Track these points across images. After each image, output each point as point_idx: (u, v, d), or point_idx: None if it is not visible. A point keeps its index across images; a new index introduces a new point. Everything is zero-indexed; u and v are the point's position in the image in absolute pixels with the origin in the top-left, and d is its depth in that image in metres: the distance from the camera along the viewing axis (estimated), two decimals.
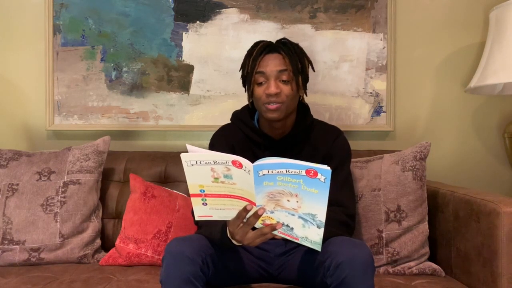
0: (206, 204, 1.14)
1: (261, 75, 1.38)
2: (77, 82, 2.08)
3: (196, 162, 1.08)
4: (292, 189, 1.05)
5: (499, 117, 2.10)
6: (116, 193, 1.85)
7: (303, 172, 1.02)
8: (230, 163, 1.05)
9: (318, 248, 1.14)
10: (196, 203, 1.14)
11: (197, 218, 1.17)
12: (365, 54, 2.06)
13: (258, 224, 1.15)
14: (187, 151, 1.08)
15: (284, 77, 1.38)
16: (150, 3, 2.07)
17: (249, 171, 1.04)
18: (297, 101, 1.46)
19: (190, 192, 1.13)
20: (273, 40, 1.47)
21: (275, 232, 1.15)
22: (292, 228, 1.12)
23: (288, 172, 1.03)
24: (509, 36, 1.76)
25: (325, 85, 2.07)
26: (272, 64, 1.38)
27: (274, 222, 1.12)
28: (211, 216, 1.16)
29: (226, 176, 1.08)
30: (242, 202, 1.11)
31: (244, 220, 1.14)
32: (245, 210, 1.11)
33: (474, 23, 2.08)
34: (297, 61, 1.41)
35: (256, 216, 1.11)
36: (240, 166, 1.04)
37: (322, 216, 1.07)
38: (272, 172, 1.03)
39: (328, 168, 1.02)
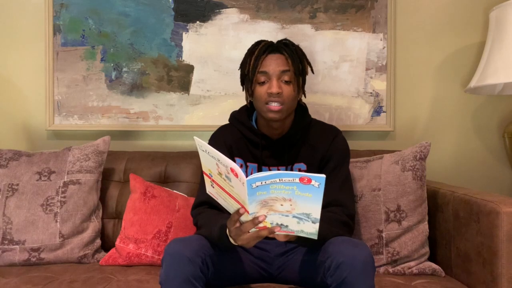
0: (213, 187, 1.17)
1: (263, 74, 1.38)
2: (77, 82, 2.08)
3: (206, 150, 1.10)
4: (285, 195, 1.05)
5: (499, 117, 2.09)
6: (116, 193, 1.85)
7: (297, 180, 1.02)
8: (229, 168, 1.05)
9: (314, 237, 1.14)
10: (207, 181, 1.19)
11: (207, 192, 1.23)
12: (365, 54, 2.06)
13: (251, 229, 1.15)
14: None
15: (286, 78, 1.38)
16: (150, 3, 2.07)
17: (243, 183, 1.04)
18: (297, 102, 1.46)
19: (203, 170, 1.19)
20: (273, 40, 1.47)
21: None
22: (287, 226, 1.12)
23: (281, 181, 1.03)
24: (509, 36, 1.76)
25: (325, 85, 2.07)
26: (274, 64, 1.38)
27: (267, 224, 1.12)
28: (218, 199, 1.20)
29: (227, 177, 1.08)
30: (237, 204, 1.12)
31: (237, 225, 1.15)
32: (237, 213, 1.13)
33: (474, 23, 2.08)
34: (299, 63, 1.41)
35: (253, 223, 1.11)
36: (236, 175, 1.04)
37: (316, 213, 1.07)
38: (265, 182, 1.03)
39: (323, 175, 1.01)
